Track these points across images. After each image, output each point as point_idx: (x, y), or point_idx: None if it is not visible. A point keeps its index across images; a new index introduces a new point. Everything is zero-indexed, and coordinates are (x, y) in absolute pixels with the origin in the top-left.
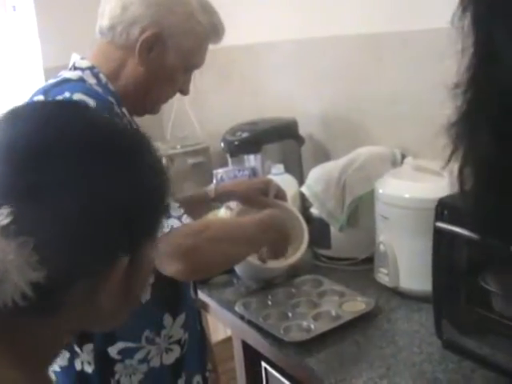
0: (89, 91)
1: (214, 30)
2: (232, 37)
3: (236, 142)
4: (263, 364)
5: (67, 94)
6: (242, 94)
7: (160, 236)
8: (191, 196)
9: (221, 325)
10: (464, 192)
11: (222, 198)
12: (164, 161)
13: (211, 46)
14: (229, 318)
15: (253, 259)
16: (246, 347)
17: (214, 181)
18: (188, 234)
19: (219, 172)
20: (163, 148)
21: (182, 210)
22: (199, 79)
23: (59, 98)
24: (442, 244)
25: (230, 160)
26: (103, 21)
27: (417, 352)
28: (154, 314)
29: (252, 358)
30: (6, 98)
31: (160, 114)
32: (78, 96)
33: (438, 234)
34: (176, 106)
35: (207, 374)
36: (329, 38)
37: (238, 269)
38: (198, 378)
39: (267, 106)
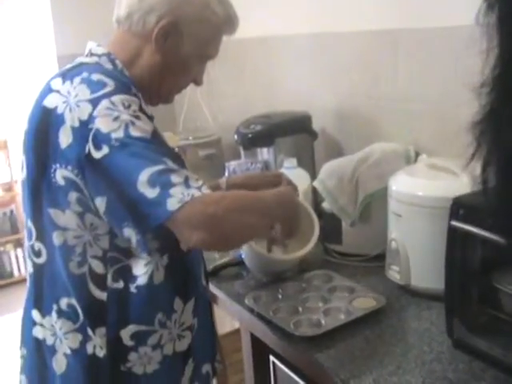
0: (108, 73)
1: (229, 22)
2: (247, 29)
3: (249, 135)
4: (271, 358)
5: (85, 74)
6: (255, 86)
7: (181, 205)
8: None
9: (228, 317)
10: (486, 190)
11: (233, 190)
12: (176, 151)
13: (225, 38)
14: (238, 310)
15: (263, 250)
16: (255, 340)
17: (226, 173)
18: (209, 202)
19: (232, 164)
20: (175, 139)
21: (201, 182)
22: (212, 71)
23: (77, 78)
24: (456, 243)
25: (242, 152)
26: (120, 10)
27: (427, 351)
28: (165, 296)
29: (260, 351)
30: (19, 86)
31: (172, 105)
32: (96, 76)
33: (453, 232)
34: (188, 98)
35: (216, 364)
36: (345, 33)
37: (247, 261)
38: (207, 367)
39: (280, 100)
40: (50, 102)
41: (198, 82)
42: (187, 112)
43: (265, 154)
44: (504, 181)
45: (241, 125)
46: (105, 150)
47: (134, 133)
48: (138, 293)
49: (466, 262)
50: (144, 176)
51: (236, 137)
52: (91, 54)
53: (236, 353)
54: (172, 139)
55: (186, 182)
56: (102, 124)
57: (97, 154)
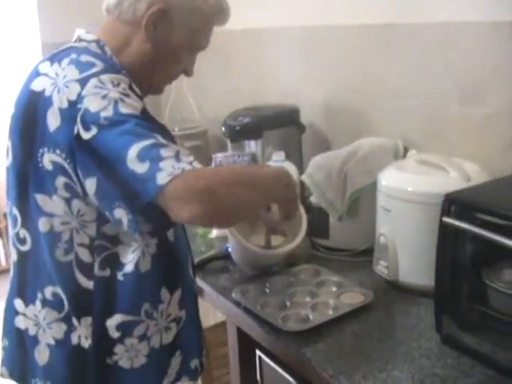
0: (96, 54)
1: (221, 11)
2: (236, 20)
3: (237, 127)
4: (257, 352)
5: (74, 56)
6: (242, 78)
7: (171, 178)
8: None
9: (211, 310)
10: None
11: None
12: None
13: (215, 29)
14: (225, 304)
15: (251, 244)
16: (241, 334)
17: (213, 165)
18: (200, 176)
19: (218, 156)
20: None
21: (192, 157)
22: (199, 61)
23: (66, 59)
24: (447, 239)
25: (229, 145)
26: None
27: (415, 346)
28: (152, 285)
29: (246, 345)
30: (2, 72)
31: (158, 96)
32: (85, 57)
33: (444, 229)
34: (174, 88)
35: (203, 359)
36: (336, 26)
37: (234, 255)
38: (196, 362)
39: (268, 93)
40: (38, 85)
41: (188, 72)
42: (173, 103)
43: (252, 146)
44: None
45: (228, 117)
46: (93, 130)
47: (124, 109)
48: (124, 281)
49: (457, 258)
50: (133, 151)
51: (223, 129)
52: (80, 40)
53: (221, 346)
54: None
55: (177, 156)
56: (90, 103)
57: (86, 135)
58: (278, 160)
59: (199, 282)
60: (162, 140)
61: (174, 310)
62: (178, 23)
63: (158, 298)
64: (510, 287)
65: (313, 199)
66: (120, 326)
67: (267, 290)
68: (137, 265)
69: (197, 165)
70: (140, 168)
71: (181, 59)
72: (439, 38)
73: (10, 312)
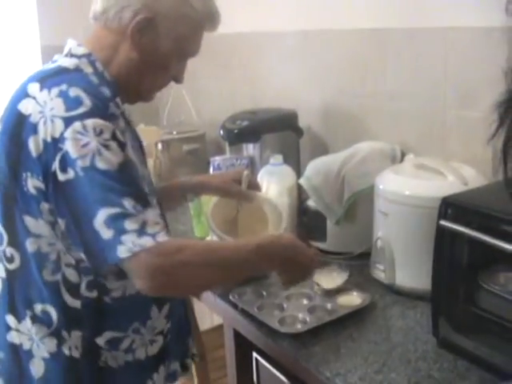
0: (87, 87)
1: (209, 17)
2: (234, 24)
3: (236, 130)
4: (254, 354)
5: (64, 87)
6: (240, 82)
7: (130, 255)
8: (165, 186)
9: (208, 314)
10: (506, 163)
11: (196, 189)
12: (160, 146)
13: (212, 33)
14: (222, 306)
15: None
16: (238, 337)
17: (211, 168)
18: (159, 254)
19: (216, 160)
20: (159, 133)
21: (158, 228)
22: (197, 65)
23: (55, 89)
24: (444, 242)
25: (228, 148)
26: (97, 5)
27: (412, 349)
28: (141, 306)
29: (243, 347)
30: (1, 76)
31: (156, 99)
32: (75, 91)
33: (441, 232)
34: (173, 92)
35: (188, 360)
36: (333, 30)
37: None
38: (175, 366)
39: (266, 96)
40: (25, 107)
41: (178, 79)
42: (171, 106)
43: (250, 149)
44: None
45: (227, 120)
46: (69, 174)
47: (100, 164)
48: (113, 303)
49: (454, 261)
50: (101, 216)
51: (222, 132)
52: (71, 55)
53: (218, 349)
54: (155, 133)
55: (141, 229)
56: (70, 147)
57: (61, 177)
58: (275, 163)
59: None
60: (129, 208)
61: (160, 324)
62: (164, 31)
63: (148, 316)
64: (505, 290)
65: (310, 203)
66: (108, 342)
67: (264, 293)
68: (124, 290)
69: (161, 237)
70: (105, 233)
71: (169, 67)
72: (437, 42)
73: (2, 327)
